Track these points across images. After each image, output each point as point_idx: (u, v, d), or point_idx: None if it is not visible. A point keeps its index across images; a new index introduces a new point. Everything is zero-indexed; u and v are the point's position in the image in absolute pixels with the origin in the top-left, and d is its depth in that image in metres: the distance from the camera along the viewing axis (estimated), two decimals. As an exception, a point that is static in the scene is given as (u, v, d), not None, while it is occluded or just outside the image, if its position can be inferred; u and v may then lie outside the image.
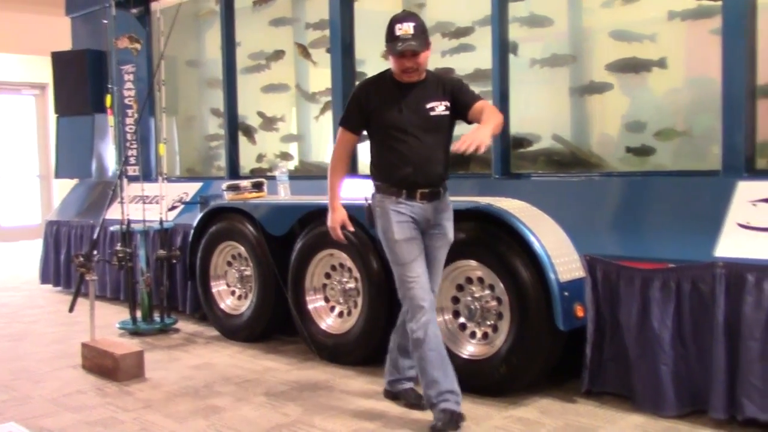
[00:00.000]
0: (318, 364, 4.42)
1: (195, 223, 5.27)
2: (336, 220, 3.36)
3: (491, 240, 3.65)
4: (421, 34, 3.13)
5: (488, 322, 3.79)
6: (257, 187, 5.04)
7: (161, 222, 5.46)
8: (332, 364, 4.38)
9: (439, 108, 3.20)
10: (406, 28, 3.09)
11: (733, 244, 3.28)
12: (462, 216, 3.62)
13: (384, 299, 4.14)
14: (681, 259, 3.35)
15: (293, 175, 5.45)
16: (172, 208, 5.99)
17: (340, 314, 4.49)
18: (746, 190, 3.36)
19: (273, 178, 5.25)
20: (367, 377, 4.13)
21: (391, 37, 3.12)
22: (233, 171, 6.10)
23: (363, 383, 4.03)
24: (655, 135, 3.96)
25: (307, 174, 5.68)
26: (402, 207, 3.20)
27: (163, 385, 4.11)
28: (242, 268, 5.09)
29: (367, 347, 4.27)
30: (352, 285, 4.40)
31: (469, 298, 3.77)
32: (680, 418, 3.36)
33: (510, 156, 4.40)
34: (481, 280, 3.79)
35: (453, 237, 3.30)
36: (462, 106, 3.20)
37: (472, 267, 3.79)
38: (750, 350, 3.14)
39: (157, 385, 4.10)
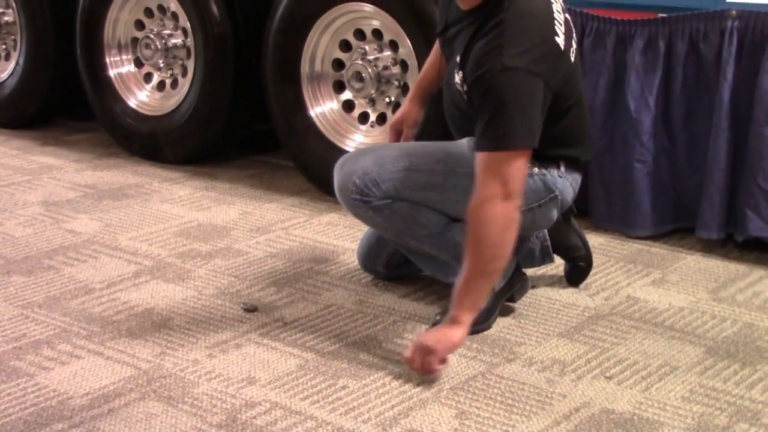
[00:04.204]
0: (126, 161, 4.42)
1: None
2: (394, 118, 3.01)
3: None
4: None
5: (386, 99, 3.78)
6: None
7: None
8: (147, 162, 4.38)
9: (457, 76, 2.61)
10: None
11: (753, -16, 3.24)
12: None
13: (228, 62, 4.10)
14: (676, 7, 3.30)
15: None
16: None
17: (160, 86, 4.45)
18: None
19: None
20: (202, 180, 4.12)
21: None
22: None
23: (193, 189, 4.02)
24: None
25: None
26: None
27: None
28: (-2, 11, 4.95)
29: (203, 137, 4.26)
30: (178, 40, 4.32)
31: (360, 62, 3.70)
32: (656, 239, 3.45)
33: None
34: (378, 33, 3.72)
35: None
36: None
37: (366, 14, 3.66)
38: (763, 141, 3.16)
39: None
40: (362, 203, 2.66)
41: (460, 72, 2.56)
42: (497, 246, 2.42)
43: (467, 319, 2.46)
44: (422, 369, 2.45)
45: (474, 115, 2.50)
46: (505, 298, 2.82)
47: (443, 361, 2.46)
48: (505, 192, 2.38)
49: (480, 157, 2.42)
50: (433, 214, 2.69)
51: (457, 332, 2.45)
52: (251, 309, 2.83)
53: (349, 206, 2.71)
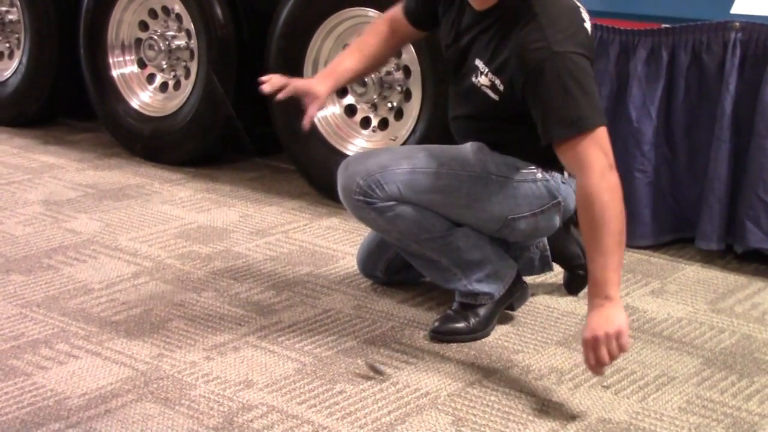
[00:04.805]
0: (127, 161, 4.41)
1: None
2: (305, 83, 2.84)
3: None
4: None
5: (388, 104, 3.79)
6: None
7: None
8: (149, 163, 4.37)
9: (482, 79, 2.60)
10: None
11: (758, -4, 3.25)
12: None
13: (231, 65, 4.11)
14: (680, 18, 3.29)
15: None
16: None
17: (163, 87, 4.45)
18: None
19: None
20: (203, 182, 4.12)
21: None
22: None
23: (193, 191, 4.01)
24: None
25: None
26: None
27: None
28: (3, 9, 4.93)
29: (205, 139, 4.26)
30: (182, 42, 4.31)
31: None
32: (655, 249, 3.45)
33: None
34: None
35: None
36: (534, 119, 2.51)
37: (370, 19, 3.69)
38: (765, 153, 3.16)
39: None
40: (365, 204, 2.64)
41: (488, 74, 2.56)
42: (623, 214, 2.38)
43: (618, 293, 2.36)
44: (610, 358, 2.30)
45: (508, 110, 2.55)
46: (505, 306, 2.82)
47: (623, 344, 2.31)
48: (609, 163, 2.39)
49: (566, 146, 2.41)
50: (436, 218, 2.69)
51: (620, 310, 2.33)
52: (378, 371, 2.59)
53: (352, 208, 2.69)
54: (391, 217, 2.65)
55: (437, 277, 2.84)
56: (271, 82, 2.71)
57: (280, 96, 2.72)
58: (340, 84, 2.88)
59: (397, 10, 2.87)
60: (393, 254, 2.94)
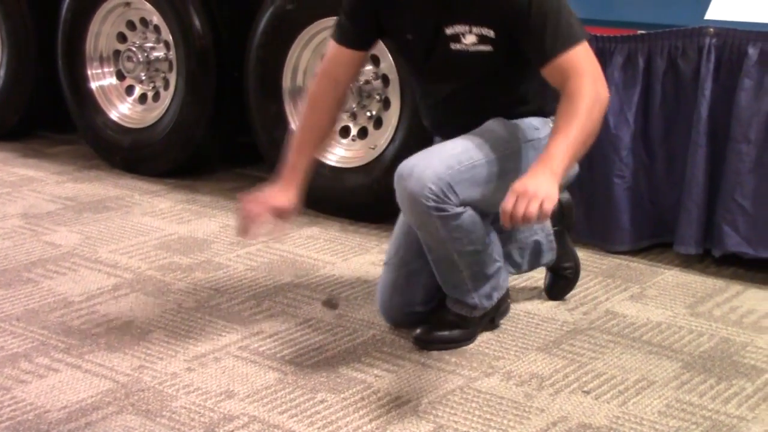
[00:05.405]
0: (107, 173, 4.40)
1: None
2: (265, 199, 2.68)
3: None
4: None
5: (367, 113, 3.79)
6: None
7: None
8: (128, 175, 4.37)
9: (468, 39, 2.60)
10: None
11: (732, 2, 3.25)
12: None
13: (210, 76, 4.11)
14: (656, 24, 3.32)
15: None
16: None
17: (142, 98, 4.45)
18: None
19: None
20: (183, 193, 4.12)
21: None
22: None
23: (174, 202, 4.01)
24: None
25: None
26: None
27: None
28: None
29: (184, 150, 4.26)
30: (160, 53, 4.32)
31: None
32: (635, 254, 3.46)
33: None
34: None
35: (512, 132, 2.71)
36: (528, 51, 2.56)
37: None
38: (741, 158, 3.18)
39: None
40: (436, 211, 2.51)
41: (472, 30, 2.56)
42: (599, 124, 2.46)
43: (562, 175, 2.35)
44: (527, 218, 2.25)
45: (504, 57, 2.59)
46: (489, 319, 2.81)
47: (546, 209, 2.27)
48: (600, 73, 2.52)
49: (560, 60, 2.48)
50: (483, 228, 2.63)
51: (556, 186, 2.30)
52: (333, 305, 2.55)
53: (419, 216, 2.55)
54: (453, 226, 2.55)
55: (448, 284, 2.74)
56: (242, 229, 2.66)
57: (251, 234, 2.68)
58: (303, 186, 2.74)
59: (330, 54, 2.75)
60: (427, 279, 2.77)
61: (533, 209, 2.24)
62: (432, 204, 2.50)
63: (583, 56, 2.50)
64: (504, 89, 2.70)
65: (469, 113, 2.71)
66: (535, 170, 2.33)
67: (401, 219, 2.79)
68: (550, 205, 2.26)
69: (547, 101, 2.66)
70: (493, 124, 2.67)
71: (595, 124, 2.42)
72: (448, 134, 2.70)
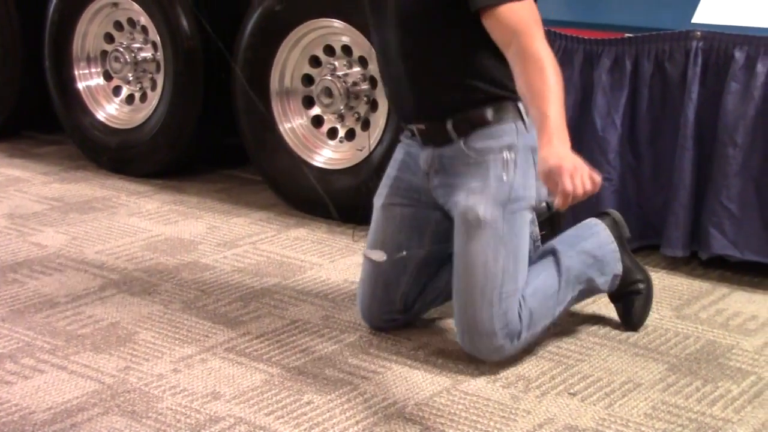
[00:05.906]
0: (93, 174, 4.40)
1: None
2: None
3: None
4: None
5: (355, 115, 3.79)
6: None
7: None
8: (115, 175, 4.37)
9: None
10: None
11: (719, 6, 3.26)
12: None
13: (197, 76, 4.10)
14: (643, 27, 3.32)
15: None
16: None
17: (129, 99, 4.44)
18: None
19: None
20: (170, 194, 4.10)
21: None
22: None
23: (161, 203, 4.00)
24: None
25: None
26: (402, 148, 2.83)
27: None
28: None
29: (172, 150, 4.26)
30: (148, 54, 4.31)
31: (329, 78, 3.71)
32: (621, 255, 3.45)
33: None
34: (347, 49, 3.74)
35: (489, 213, 2.61)
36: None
37: (336, 30, 3.68)
38: (727, 161, 3.18)
39: None
40: (517, 338, 2.62)
41: None
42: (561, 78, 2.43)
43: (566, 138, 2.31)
44: (584, 189, 2.23)
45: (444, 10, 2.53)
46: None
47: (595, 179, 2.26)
48: (543, 34, 2.45)
49: (502, 12, 2.42)
50: (544, 287, 2.70)
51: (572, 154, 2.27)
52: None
53: (497, 356, 2.64)
54: (529, 324, 2.64)
55: (588, 294, 2.86)
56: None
57: None
58: None
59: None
60: (405, 288, 2.79)
61: (586, 182, 2.22)
62: (506, 341, 2.60)
63: (527, 13, 2.44)
64: (456, 61, 2.61)
65: (425, 88, 2.64)
66: (554, 149, 2.26)
67: (379, 214, 2.80)
68: (591, 173, 2.25)
69: (506, 77, 2.54)
70: (487, 218, 2.60)
71: (559, 79, 2.39)
72: (408, 118, 2.72)
